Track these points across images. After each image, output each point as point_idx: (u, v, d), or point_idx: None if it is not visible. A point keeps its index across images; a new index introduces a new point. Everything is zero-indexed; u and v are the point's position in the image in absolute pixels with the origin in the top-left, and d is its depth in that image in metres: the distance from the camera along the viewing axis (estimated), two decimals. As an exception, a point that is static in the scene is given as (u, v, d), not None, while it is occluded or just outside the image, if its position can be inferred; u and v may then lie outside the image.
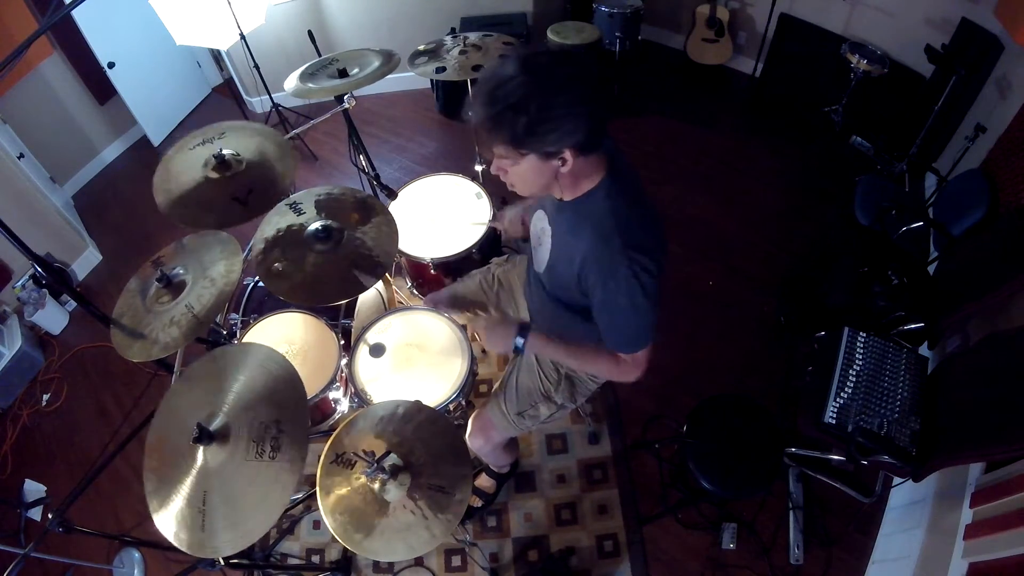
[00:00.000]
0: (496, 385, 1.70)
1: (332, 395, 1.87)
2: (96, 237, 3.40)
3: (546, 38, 3.53)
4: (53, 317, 2.96)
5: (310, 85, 2.06)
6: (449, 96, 3.89)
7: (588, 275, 1.15)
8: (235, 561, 1.40)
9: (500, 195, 2.12)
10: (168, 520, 1.13)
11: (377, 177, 2.16)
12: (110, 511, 2.28)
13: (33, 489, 2.32)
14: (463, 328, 1.82)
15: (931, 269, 2.42)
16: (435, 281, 2.15)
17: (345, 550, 2.07)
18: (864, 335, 1.86)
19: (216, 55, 4.35)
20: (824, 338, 2.07)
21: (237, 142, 1.76)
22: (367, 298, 2.21)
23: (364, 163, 2.37)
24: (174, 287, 1.44)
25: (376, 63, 2.12)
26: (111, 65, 3.48)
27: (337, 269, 1.54)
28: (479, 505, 2.14)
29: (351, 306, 2.07)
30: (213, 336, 1.62)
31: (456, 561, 2.07)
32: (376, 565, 2.06)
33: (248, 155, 1.74)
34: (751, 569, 1.99)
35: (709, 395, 1.84)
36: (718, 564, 2.00)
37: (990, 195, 2.21)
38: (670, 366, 2.41)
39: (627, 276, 1.08)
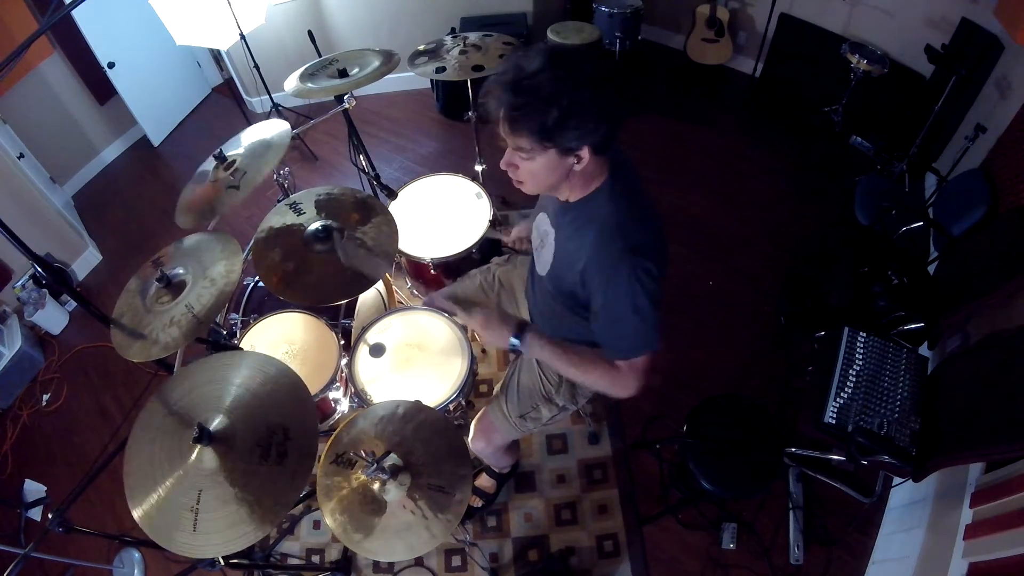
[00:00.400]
0: (497, 387, 1.70)
1: (332, 395, 1.87)
2: (96, 237, 3.40)
3: (546, 38, 3.53)
4: (53, 317, 2.96)
5: (310, 85, 2.06)
6: (449, 96, 3.89)
7: (590, 277, 1.15)
8: (235, 561, 1.40)
9: (500, 195, 2.12)
10: (155, 518, 1.11)
11: (377, 177, 2.16)
12: (110, 511, 2.28)
13: (33, 489, 2.32)
14: (463, 328, 1.82)
15: (931, 269, 2.42)
16: (435, 281, 2.15)
17: (345, 550, 2.07)
18: (864, 335, 1.86)
19: (216, 55, 4.35)
20: (824, 338, 2.08)
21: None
22: (367, 298, 2.21)
23: (364, 163, 2.37)
24: (174, 287, 1.44)
25: (376, 63, 2.12)
26: (111, 65, 3.48)
27: (337, 269, 1.54)
28: (479, 505, 2.14)
29: (351, 306, 2.07)
30: (213, 336, 1.62)
31: (456, 561, 2.07)
32: (376, 565, 2.06)
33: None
34: (751, 569, 1.99)
35: (709, 395, 1.84)
36: (718, 564, 2.00)
37: (990, 195, 2.21)
38: (670, 366, 2.41)
39: (629, 278, 1.08)
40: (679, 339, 2.57)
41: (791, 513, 2.06)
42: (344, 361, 1.85)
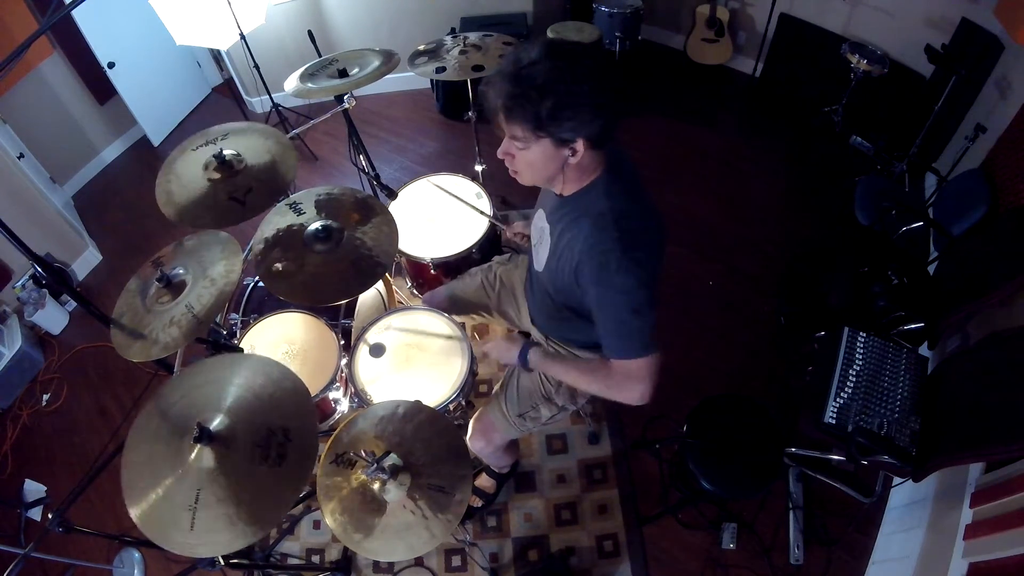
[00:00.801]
0: (497, 387, 1.70)
1: (332, 395, 1.87)
2: (96, 237, 3.40)
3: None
4: (53, 317, 2.96)
5: (310, 85, 2.06)
6: (449, 96, 3.88)
7: (584, 270, 1.14)
8: (235, 561, 1.40)
9: (500, 195, 2.12)
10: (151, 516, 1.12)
11: (377, 177, 2.16)
12: (110, 511, 2.28)
13: (33, 489, 2.32)
14: (463, 328, 1.82)
15: (931, 269, 2.42)
16: (435, 281, 2.15)
17: (345, 550, 2.07)
18: (864, 335, 1.86)
19: (216, 55, 4.34)
20: (824, 338, 2.08)
21: (239, 143, 1.75)
22: (367, 298, 2.21)
23: (364, 163, 2.37)
24: (174, 287, 1.44)
25: (376, 63, 2.11)
26: (111, 65, 3.48)
27: (337, 269, 1.54)
28: (479, 505, 2.14)
29: (351, 306, 2.07)
30: (213, 336, 1.62)
31: (456, 561, 2.07)
32: (376, 565, 2.06)
33: (250, 156, 1.73)
34: (751, 569, 1.99)
35: (709, 395, 1.84)
36: (718, 564, 2.00)
37: (990, 195, 2.21)
38: (670, 366, 2.38)
39: (622, 270, 1.07)
40: (679, 339, 2.58)
41: (791, 513, 2.06)
42: (344, 361, 1.85)
